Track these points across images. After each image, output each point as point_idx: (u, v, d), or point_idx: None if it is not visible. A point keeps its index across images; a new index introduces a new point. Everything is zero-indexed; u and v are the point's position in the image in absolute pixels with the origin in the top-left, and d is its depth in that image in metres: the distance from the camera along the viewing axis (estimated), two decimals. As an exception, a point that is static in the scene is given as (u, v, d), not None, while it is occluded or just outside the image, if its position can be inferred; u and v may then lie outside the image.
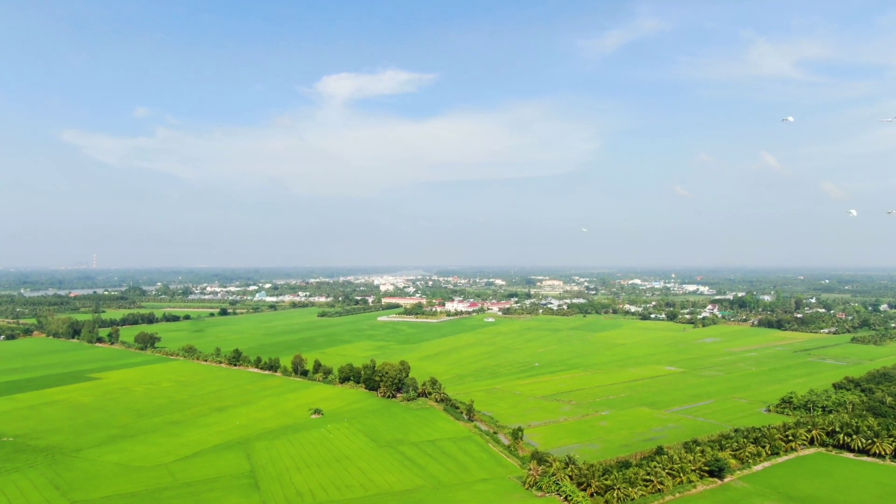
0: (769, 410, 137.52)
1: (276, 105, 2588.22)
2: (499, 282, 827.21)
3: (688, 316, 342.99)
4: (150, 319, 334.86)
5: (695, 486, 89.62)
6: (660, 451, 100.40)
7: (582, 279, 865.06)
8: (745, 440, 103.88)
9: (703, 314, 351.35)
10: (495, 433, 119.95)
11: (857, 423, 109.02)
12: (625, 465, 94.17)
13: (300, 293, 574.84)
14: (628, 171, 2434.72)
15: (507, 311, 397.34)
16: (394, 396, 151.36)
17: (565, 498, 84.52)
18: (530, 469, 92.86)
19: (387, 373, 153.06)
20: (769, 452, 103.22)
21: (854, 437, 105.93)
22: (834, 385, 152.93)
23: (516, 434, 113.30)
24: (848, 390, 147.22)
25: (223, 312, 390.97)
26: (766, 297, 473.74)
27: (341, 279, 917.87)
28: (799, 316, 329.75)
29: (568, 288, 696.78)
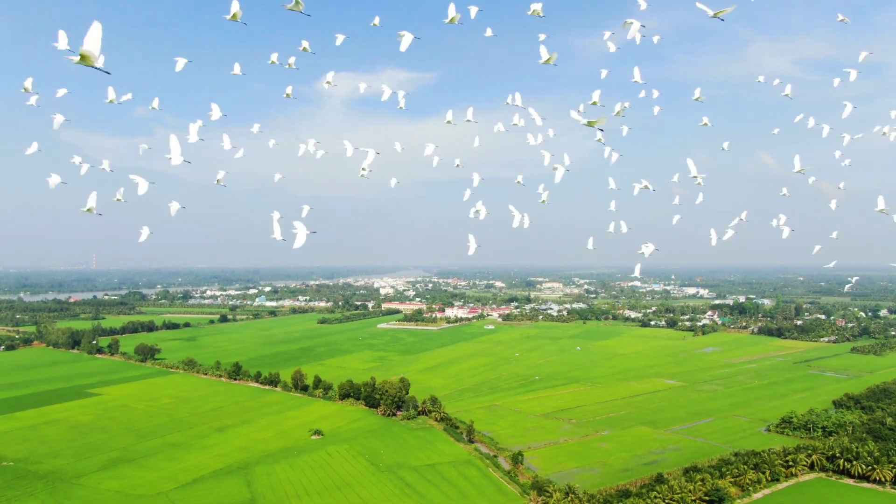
0: (769, 430, 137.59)
1: (274, 105, 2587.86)
2: (499, 284, 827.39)
3: (688, 323, 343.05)
4: (150, 327, 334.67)
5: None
6: (660, 478, 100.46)
7: (582, 281, 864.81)
8: (745, 466, 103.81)
9: (703, 321, 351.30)
10: (495, 457, 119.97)
11: (856, 448, 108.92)
12: (625, 493, 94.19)
13: (300, 297, 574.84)
14: (627, 171, 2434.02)
15: (506, 318, 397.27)
16: (394, 415, 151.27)
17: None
18: (531, 499, 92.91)
19: (387, 391, 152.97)
20: (769, 479, 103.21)
21: (854, 462, 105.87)
22: (834, 402, 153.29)
23: (516, 458, 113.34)
24: (848, 408, 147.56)
25: (223, 319, 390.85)
26: (766, 302, 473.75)
27: (341, 281, 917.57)
28: (799, 323, 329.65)
29: (568, 291, 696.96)
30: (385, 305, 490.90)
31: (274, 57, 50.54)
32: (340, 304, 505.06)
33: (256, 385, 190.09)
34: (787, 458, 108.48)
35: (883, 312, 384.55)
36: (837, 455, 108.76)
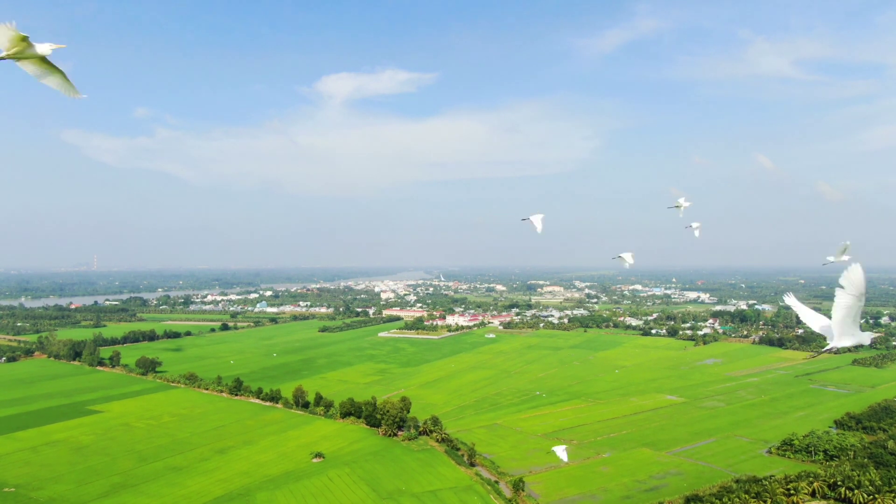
0: (770, 452, 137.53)
1: (275, 105, 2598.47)
2: (500, 287, 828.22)
3: (689, 331, 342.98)
4: (152, 336, 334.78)
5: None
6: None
7: (583, 284, 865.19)
8: (746, 495, 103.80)
9: (704, 329, 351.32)
10: (497, 482, 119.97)
11: (858, 476, 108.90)
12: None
13: (301, 303, 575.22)
14: (627, 171, 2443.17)
15: (507, 325, 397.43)
16: (395, 434, 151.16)
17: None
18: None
19: (388, 411, 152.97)
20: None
21: (856, 491, 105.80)
22: (835, 422, 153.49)
23: (518, 485, 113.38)
24: (849, 428, 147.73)
25: (224, 327, 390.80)
26: (767, 308, 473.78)
27: (342, 284, 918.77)
28: (800, 332, 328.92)
29: (568, 295, 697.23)
30: (386, 312, 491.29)
31: None
32: (341, 310, 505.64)
33: (258, 401, 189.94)
34: (788, 486, 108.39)
35: (884, 320, 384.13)
36: (839, 483, 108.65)
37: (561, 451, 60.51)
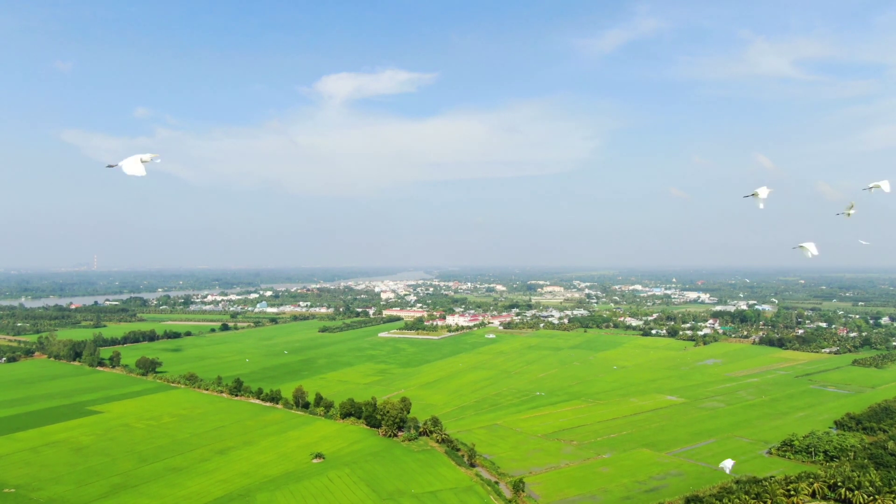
0: (770, 453, 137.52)
1: (275, 105, 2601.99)
2: (500, 287, 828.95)
3: (689, 332, 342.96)
4: (152, 337, 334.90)
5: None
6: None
7: (583, 284, 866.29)
8: (746, 496, 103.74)
9: (705, 330, 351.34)
10: (497, 483, 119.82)
11: (858, 476, 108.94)
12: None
13: (301, 303, 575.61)
14: (627, 171, 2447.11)
15: (507, 326, 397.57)
16: (395, 435, 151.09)
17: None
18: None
19: (388, 411, 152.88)
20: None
21: (856, 492, 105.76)
22: (835, 423, 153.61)
23: (518, 486, 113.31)
24: (850, 429, 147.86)
25: (224, 327, 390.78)
26: (767, 308, 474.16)
27: (342, 284, 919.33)
28: (800, 332, 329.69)
29: (568, 295, 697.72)
30: (386, 312, 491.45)
31: None
32: (341, 310, 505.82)
33: (258, 402, 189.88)
34: (788, 487, 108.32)
35: (884, 320, 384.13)
36: (839, 484, 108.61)
37: (728, 465, 62.68)
